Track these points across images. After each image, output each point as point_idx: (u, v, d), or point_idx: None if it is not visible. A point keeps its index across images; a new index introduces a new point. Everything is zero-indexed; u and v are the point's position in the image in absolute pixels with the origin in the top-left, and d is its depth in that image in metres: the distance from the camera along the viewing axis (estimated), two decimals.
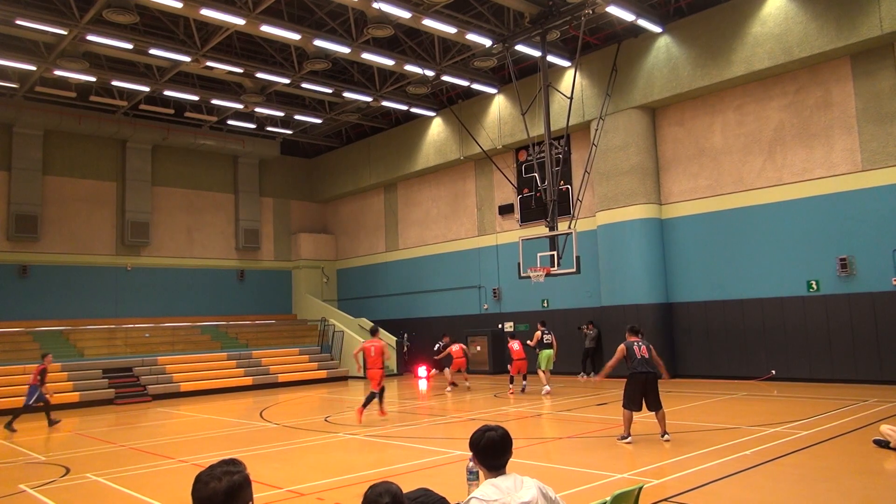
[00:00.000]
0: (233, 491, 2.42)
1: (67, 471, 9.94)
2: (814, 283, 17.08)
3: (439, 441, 11.46)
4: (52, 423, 15.32)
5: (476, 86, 23.40)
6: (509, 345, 18.21)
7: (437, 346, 21.62)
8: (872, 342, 16.03)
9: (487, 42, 19.62)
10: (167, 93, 23.47)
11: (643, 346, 10.32)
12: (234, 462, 2.51)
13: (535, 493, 3.24)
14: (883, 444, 8.79)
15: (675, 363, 19.54)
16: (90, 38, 18.48)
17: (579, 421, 13.02)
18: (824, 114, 17.10)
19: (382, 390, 14.16)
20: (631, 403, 10.13)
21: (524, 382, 17.95)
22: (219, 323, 27.32)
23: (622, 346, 10.40)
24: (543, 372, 17.41)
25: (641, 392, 10.13)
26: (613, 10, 17.55)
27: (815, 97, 17.30)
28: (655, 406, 10.15)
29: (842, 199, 16.69)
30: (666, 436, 10.06)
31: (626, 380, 10.48)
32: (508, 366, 18.41)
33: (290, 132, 29.35)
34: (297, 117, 26.96)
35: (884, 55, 16.13)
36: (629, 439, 10.01)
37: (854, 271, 16.41)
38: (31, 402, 15.21)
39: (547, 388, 16.92)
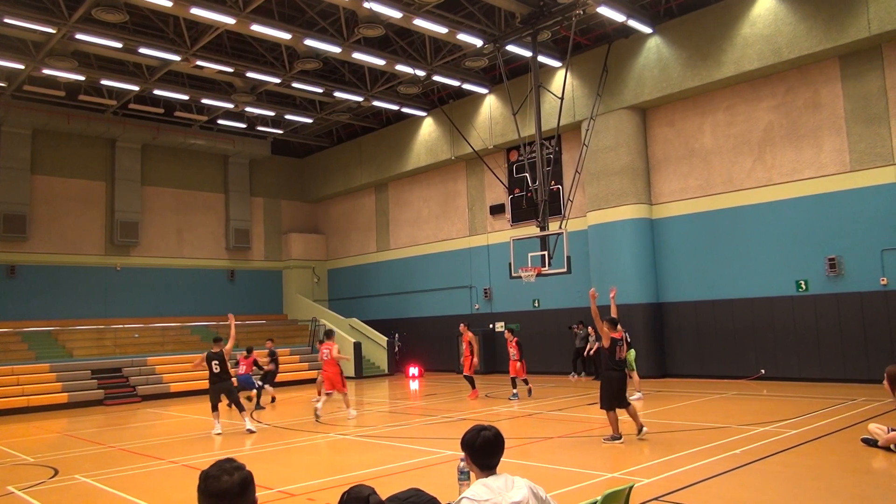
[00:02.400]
0: (245, 484, 2.51)
1: (56, 472, 9.88)
2: (803, 282, 17.18)
3: (430, 441, 11.46)
4: (258, 406, 17.12)
5: (467, 86, 23.41)
6: (510, 341, 16.68)
7: (261, 352, 18.73)
8: (860, 342, 16.15)
9: (478, 42, 19.63)
10: (157, 92, 23.36)
11: (623, 348, 10.38)
12: (234, 460, 2.59)
13: (526, 492, 3.25)
14: (871, 442, 8.85)
15: (665, 363, 19.64)
16: (79, 36, 18.37)
17: (570, 421, 13.04)
18: (813, 115, 17.21)
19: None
20: (613, 402, 10.09)
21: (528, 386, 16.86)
22: (209, 323, 27.16)
23: (609, 336, 10.28)
24: (633, 374, 15.24)
25: (620, 391, 10.16)
26: (604, 10, 17.60)
27: (804, 98, 17.40)
28: (625, 403, 10.25)
29: (830, 200, 16.80)
30: (643, 429, 10.15)
31: (601, 381, 10.39)
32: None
33: (280, 132, 29.26)
34: (287, 117, 26.89)
35: (872, 56, 16.24)
36: (621, 439, 9.99)
37: (842, 271, 16.53)
38: (258, 385, 17.28)
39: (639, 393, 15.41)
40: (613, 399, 10.12)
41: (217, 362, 13.26)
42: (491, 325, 24.35)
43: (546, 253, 18.19)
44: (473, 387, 17.15)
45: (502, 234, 23.53)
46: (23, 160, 24.36)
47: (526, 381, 16.70)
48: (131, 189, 26.70)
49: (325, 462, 10.04)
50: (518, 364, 16.43)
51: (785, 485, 7.35)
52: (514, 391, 16.47)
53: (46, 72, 20.55)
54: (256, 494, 2.56)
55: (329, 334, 15.14)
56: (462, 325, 17.98)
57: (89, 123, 25.38)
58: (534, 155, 19.93)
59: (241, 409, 13.34)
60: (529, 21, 18.78)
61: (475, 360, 17.13)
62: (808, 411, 12.13)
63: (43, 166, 25.08)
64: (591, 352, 19.19)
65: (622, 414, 10.33)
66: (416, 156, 26.65)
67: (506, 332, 17.56)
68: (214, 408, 13.31)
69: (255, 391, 17.19)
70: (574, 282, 20.98)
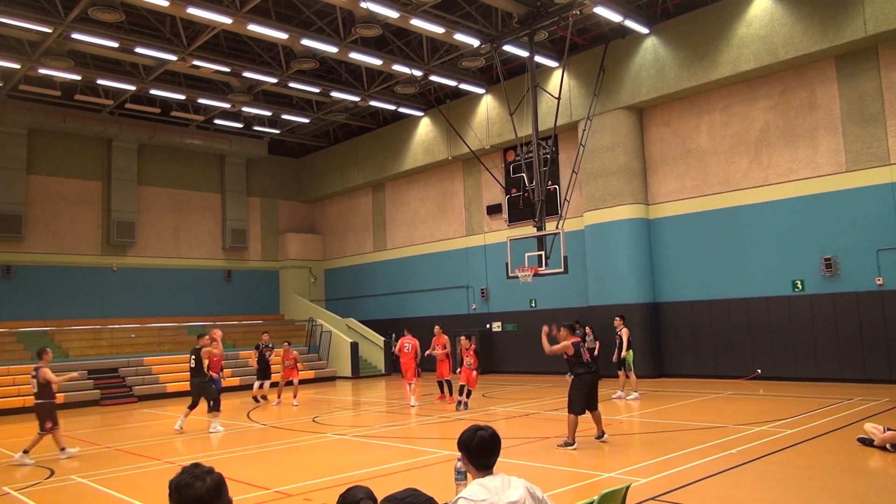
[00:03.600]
0: (219, 487, 2.47)
1: (52, 472, 9.86)
2: (799, 282, 17.22)
3: (427, 441, 11.46)
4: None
5: (464, 86, 23.41)
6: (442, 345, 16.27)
7: (262, 347, 19.23)
8: (856, 341, 16.18)
9: (475, 42, 19.63)
10: (153, 92, 23.32)
11: (585, 350, 10.27)
12: (202, 465, 2.53)
13: (523, 492, 3.25)
14: (867, 442, 8.87)
15: (661, 362, 19.67)
16: (75, 36, 18.33)
17: (566, 420, 13.02)
18: (809, 115, 17.25)
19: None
20: (577, 407, 9.87)
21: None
22: (205, 323, 27.10)
23: (569, 344, 10.17)
24: (630, 374, 15.45)
25: (588, 394, 9.97)
26: (601, 10, 17.61)
27: (800, 98, 17.44)
28: (594, 406, 10.09)
29: (826, 200, 16.84)
30: (604, 437, 10.07)
31: (571, 383, 10.20)
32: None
33: (277, 132, 29.24)
34: (284, 117, 26.86)
35: (868, 57, 16.28)
36: (574, 446, 9.73)
37: (838, 271, 16.56)
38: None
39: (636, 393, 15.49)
40: (575, 403, 9.90)
41: (194, 357, 13.66)
42: (488, 325, 24.35)
43: (543, 253, 18.19)
44: (451, 392, 16.42)
45: (499, 234, 23.55)
46: (19, 160, 24.29)
47: (469, 393, 15.08)
48: (128, 189, 26.65)
49: (321, 462, 10.03)
50: (474, 374, 14.95)
51: (781, 484, 7.36)
52: (460, 399, 14.98)
53: (42, 71, 20.50)
54: (230, 495, 2.52)
55: (408, 330, 17.41)
56: (437, 327, 17.10)
57: (85, 123, 25.33)
58: (531, 155, 19.93)
59: (211, 409, 13.47)
60: (526, 21, 18.79)
61: (450, 362, 16.64)
62: (804, 411, 12.16)
63: (39, 166, 25.02)
64: (596, 352, 18.51)
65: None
66: (412, 156, 26.65)
67: (461, 338, 15.96)
68: (192, 406, 13.77)
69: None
70: (571, 282, 21.00)
